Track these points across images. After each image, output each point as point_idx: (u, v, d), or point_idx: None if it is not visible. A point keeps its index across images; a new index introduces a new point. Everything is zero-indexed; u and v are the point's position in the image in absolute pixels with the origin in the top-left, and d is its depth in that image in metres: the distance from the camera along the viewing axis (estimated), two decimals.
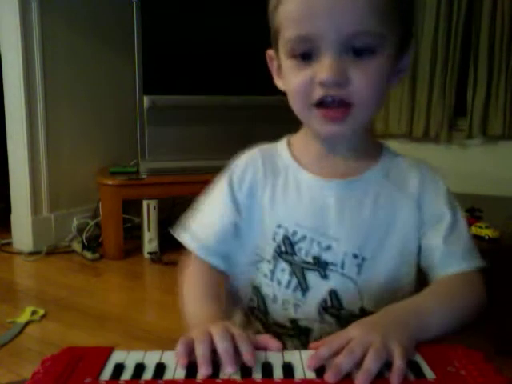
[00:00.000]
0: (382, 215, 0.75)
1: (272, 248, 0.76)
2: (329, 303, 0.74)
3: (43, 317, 1.98)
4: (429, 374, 0.53)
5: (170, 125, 2.70)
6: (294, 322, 0.76)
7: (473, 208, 2.02)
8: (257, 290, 0.78)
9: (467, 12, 2.75)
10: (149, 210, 2.71)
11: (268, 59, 0.80)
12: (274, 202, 0.77)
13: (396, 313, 0.63)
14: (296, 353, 0.57)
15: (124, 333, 1.87)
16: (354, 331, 0.57)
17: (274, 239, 0.76)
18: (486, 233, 1.81)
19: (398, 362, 0.52)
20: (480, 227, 1.83)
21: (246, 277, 0.79)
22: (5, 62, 2.70)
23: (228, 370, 0.53)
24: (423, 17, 2.81)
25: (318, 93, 0.67)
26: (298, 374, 0.53)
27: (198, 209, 0.83)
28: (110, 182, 2.67)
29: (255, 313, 0.80)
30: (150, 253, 2.72)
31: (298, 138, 0.82)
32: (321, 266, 0.74)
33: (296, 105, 0.73)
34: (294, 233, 0.75)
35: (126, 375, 0.53)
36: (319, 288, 0.74)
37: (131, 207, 2.93)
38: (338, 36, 0.64)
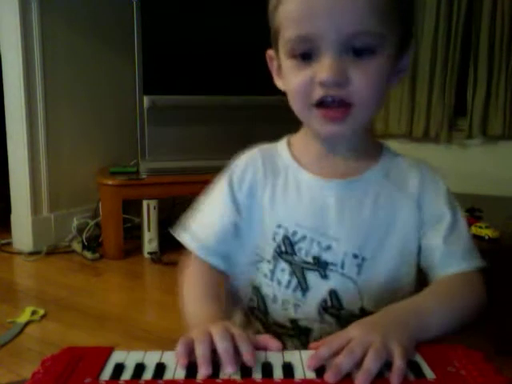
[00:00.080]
0: (382, 215, 0.75)
1: (272, 248, 0.76)
2: (329, 303, 0.74)
3: (43, 317, 1.98)
4: (429, 373, 0.53)
5: (170, 125, 2.70)
6: (294, 322, 0.76)
7: (473, 208, 2.02)
8: (257, 289, 0.78)
9: (467, 12, 2.75)
10: (149, 210, 2.71)
11: (268, 59, 0.80)
12: (273, 202, 0.77)
13: (396, 313, 0.63)
14: (296, 353, 0.57)
15: (124, 333, 1.87)
16: (354, 331, 0.57)
17: (273, 239, 0.76)
18: (486, 233, 1.81)
19: (398, 362, 0.52)
20: (480, 227, 1.83)
21: (246, 277, 0.79)
22: (5, 61, 2.70)
23: (228, 370, 0.53)
24: (423, 17, 2.81)
25: (318, 93, 0.67)
26: (298, 374, 0.53)
27: (197, 209, 0.83)
28: (110, 182, 2.67)
29: (255, 313, 0.80)
30: (150, 253, 2.72)
31: (298, 138, 0.82)
32: (321, 265, 0.74)
33: (296, 105, 0.73)
34: (294, 233, 0.75)
35: (126, 375, 0.53)
36: (319, 288, 0.74)
37: (131, 207, 2.93)
38: (338, 36, 0.64)
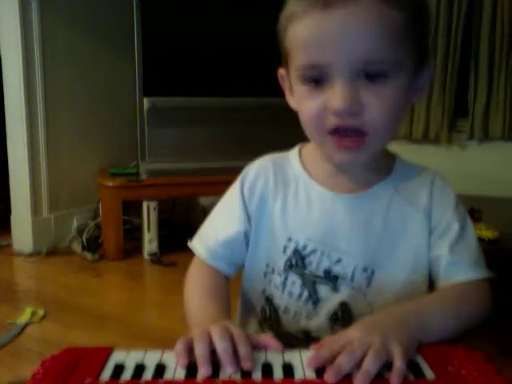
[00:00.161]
0: (392, 228, 0.75)
1: (283, 261, 0.76)
2: (339, 315, 0.74)
3: (43, 317, 1.98)
4: (429, 374, 0.53)
5: (170, 126, 2.70)
6: (306, 333, 0.76)
7: (472, 209, 2.02)
8: (269, 301, 0.79)
9: (467, 12, 2.75)
10: (149, 211, 2.71)
11: (280, 78, 0.78)
12: (284, 214, 0.77)
13: (395, 313, 0.63)
14: (296, 353, 0.57)
15: (124, 333, 1.87)
16: (354, 332, 0.57)
17: (284, 252, 0.76)
18: (486, 234, 1.81)
19: (398, 363, 0.52)
20: (479, 228, 1.83)
21: (259, 287, 0.80)
22: (5, 62, 2.70)
23: (227, 370, 0.53)
24: None
25: (332, 121, 0.66)
26: (298, 375, 0.53)
27: (210, 216, 0.83)
28: (109, 183, 2.67)
29: (268, 323, 0.80)
30: (149, 254, 2.72)
31: (310, 149, 0.81)
32: (331, 279, 0.74)
33: (309, 130, 0.71)
34: (305, 246, 0.75)
35: (126, 375, 0.53)
36: (330, 300, 0.75)
37: (131, 208, 2.93)
38: (351, 63, 0.63)
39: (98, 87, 3.01)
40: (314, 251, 0.75)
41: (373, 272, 0.74)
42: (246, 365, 0.53)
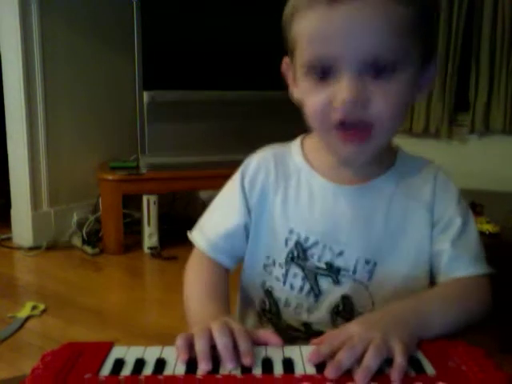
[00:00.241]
0: (394, 222, 0.74)
1: (284, 253, 0.76)
2: (341, 308, 0.74)
3: (43, 312, 1.99)
4: (429, 369, 0.53)
5: (170, 120, 2.70)
6: (307, 325, 0.76)
7: (474, 203, 2.01)
8: (269, 293, 0.78)
9: (468, 9, 2.73)
10: (149, 205, 2.71)
11: (284, 67, 0.77)
12: (285, 206, 0.77)
13: (396, 311, 0.63)
14: (296, 348, 0.57)
15: (124, 328, 1.88)
16: (355, 327, 0.57)
17: (286, 244, 0.76)
18: (487, 228, 1.81)
19: (399, 359, 0.51)
20: (480, 222, 1.83)
21: (258, 279, 0.79)
22: (5, 62, 2.70)
23: (228, 366, 0.53)
24: None
25: (337, 115, 0.65)
26: (299, 370, 0.53)
27: (210, 208, 0.83)
28: (109, 177, 2.67)
29: (268, 315, 0.80)
30: (149, 247, 2.72)
31: (312, 141, 0.80)
32: (333, 271, 0.74)
33: (313, 124, 0.71)
34: (306, 239, 0.75)
35: (126, 371, 0.53)
36: (332, 293, 0.75)
37: (131, 202, 2.93)
38: (357, 57, 0.62)
39: (97, 86, 3.00)
40: (315, 244, 0.74)
41: (375, 264, 0.73)
42: (246, 360, 0.53)
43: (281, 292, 0.77)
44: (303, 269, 0.75)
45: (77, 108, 2.93)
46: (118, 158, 2.95)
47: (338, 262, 0.74)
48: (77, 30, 2.86)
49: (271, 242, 0.77)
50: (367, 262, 0.73)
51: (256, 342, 0.57)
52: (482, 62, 2.74)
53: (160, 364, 0.54)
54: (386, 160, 0.77)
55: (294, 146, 0.82)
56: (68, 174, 2.92)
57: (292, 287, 0.76)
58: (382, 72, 0.64)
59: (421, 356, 0.55)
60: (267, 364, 0.54)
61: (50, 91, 2.77)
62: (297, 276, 0.76)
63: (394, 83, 0.64)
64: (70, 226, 2.89)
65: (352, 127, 0.66)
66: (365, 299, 0.74)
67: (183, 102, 2.69)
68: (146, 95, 2.59)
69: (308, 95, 0.68)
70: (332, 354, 0.53)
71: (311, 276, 0.75)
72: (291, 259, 0.76)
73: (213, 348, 0.54)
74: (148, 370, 0.53)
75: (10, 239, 2.84)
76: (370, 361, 0.51)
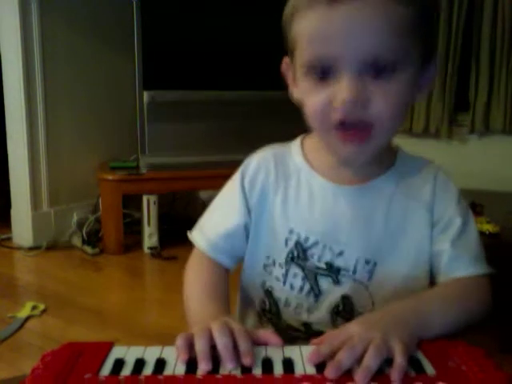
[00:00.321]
0: (394, 221, 0.74)
1: (284, 253, 0.76)
2: (341, 308, 0.74)
3: (43, 312, 1.99)
4: (429, 369, 0.53)
5: (170, 120, 2.70)
6: (307, 325, 0.76)
7: (473, 203, 2.01)
8: (269, 293, 0.78)
9: (468, 9, 2.73)
10: (149, 205, 2.71)
11: (284, 67, 0.77)
12: (285, 206, 0.77)
13: (396, 311, 0.63)
14: (296, 348, 0.57)
15: (124, 327, 1.87)
16: (355, 327, 0.57)
17: (286, 244, 0.76)
18: (487, 228, 1.81)
19: (399, 359, 0.51)
20: (480, 222, 1.83)
21: (258, 280, 0.79)
22: (5, 62, 2.70)
23: (228, 366, 0.53)
24: None
25: (337, 115, 0.65)
26: (299, 370, 0.53)
27: (210, 208, 0.83)
28: (110, 177, 2.67)
29: (267, 315, 0.80)
30: (149, 247, 2.72)
31: (312, 141, 0.80)
32: (333, 271, 0.74)
33: (313, 124, 0.71)
34: (306, 239, 0.75)
35: (126, 371, 0.53)
36: (332, 293, 0.75)
37: (131, 202, 2.93)
38: (357, 58, 0.62)
39: (97, 87, 3.00)
40: (315, 244, 0.74)
41: (375, 264, 0.73)
42: (246, 360, 0.53)
43: (281, 292, 0.77)
44: (303, 269, 0.75)
45: (77, 108, 2.92)
46: (118, 158, 2.95)
47: (338, 262, 0.74)
48: (77, 30, 2.86)
49: (271, 241, 0.77)
50: (367, 262, 0.73)
51: (256, 342, 0.57)
52: (482, 61, 2.74)
53: (160, 364, 0.54)
54: (385, 160, 0.77)
55: (294, 146, 0.82)
56: (68, 174, 2.91)
57: (292, 287, 0.76)
58: (382, 72, 0.64)
59: (421, 356, 0.55)
60: (267, 364, 0.54)
61: (50, 91, 2.77)
62: (297, 276, 0.76)
63: (394, 83, 0.64)
64: (70, 226, 2.89)
65: (352, 127, 0.66)
66: (365, 299, 0.74)
67: (183, 101, 2.69)
68: (146, 95, 2.59)
69: (308, 95, 0.68)
70: (332, 354, 0.53)
71: (311, 276, 0.75)
72: (291, 259, 0.76)
73: (213, 348, 0.54)
74: (148, 370, 0.53)
75: (9, 239, 2.83)
76: (370, 361, 0.51)
